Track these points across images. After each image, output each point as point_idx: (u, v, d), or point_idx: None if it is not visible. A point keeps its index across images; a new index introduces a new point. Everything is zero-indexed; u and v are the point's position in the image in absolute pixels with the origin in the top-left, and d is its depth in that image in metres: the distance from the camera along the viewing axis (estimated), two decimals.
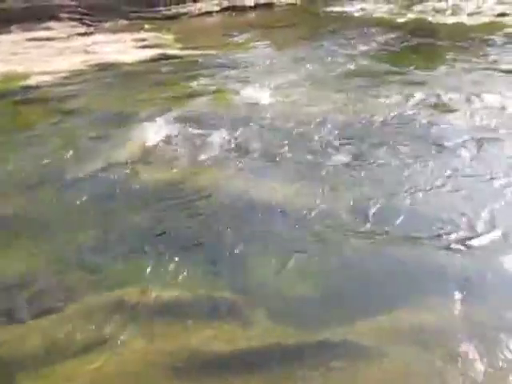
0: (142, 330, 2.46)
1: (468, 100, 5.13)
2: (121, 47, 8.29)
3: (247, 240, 3.08)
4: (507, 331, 2.37)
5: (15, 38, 8.77)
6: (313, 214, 3.29)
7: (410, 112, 4.88)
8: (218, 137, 4.43)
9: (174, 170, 3.97)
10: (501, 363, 2.21)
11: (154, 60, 7.43)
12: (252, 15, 11.42)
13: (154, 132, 4.56)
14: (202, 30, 10.31)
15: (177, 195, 3.60)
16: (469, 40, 7.90)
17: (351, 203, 3.39)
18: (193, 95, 5.69)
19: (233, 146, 4.30)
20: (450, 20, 9.69)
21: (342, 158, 4.03)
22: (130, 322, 2.49)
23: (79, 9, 10.22)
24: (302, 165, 3.97)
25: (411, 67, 6.50)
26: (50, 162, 4.15)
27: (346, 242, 3.02)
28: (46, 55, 7.79)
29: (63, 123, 5.03)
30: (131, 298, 2.64)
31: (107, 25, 10.14)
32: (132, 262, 2.94)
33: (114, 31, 9.59)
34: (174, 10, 11.06)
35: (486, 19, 9.53)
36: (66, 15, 9.95)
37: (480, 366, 2.19)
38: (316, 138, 4.39)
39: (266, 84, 5.83)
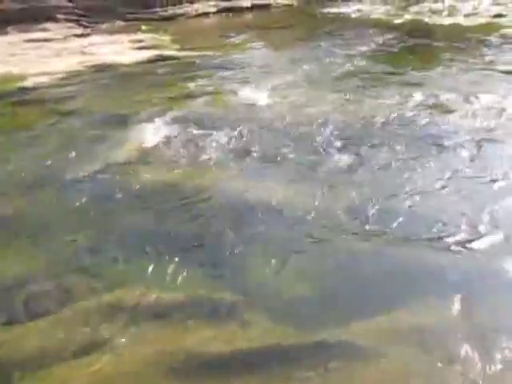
0: (141, 331, 2.45)
1: (466, 100, 5.14)
2: (118, 48, 8.28)
3: (246, 241, 3.08)
4: (506, 332, 2.37)
5: (12, 39, 8.75)
6: (312, 214, 3.29)
7: (409, 112, 4.89)
8: (216, 138, 4.43)
9: (173, 171, 3.96)
10: (500, 364, 2.21)
11: (150, 61, 7.43)
12: (249, 16, 11.43)
13: (151, 133, 4.56)
14: (198, 31, 10.31)
15: (175, 196, 3.60)
16: (465, 41, 7.93)
17: (350, 204, 3.39)
18: (190, 96, 5.69)
19: (231, 146, 4.30)
20: (447, 21, 9.73)
21: (341, 158, 4.03)
22: (129, 324, 2.48)
23: (76, 10, 10.21)
24: (301, 165, 3.97)
25: (408, 68, 6.52)
26: (48, 163, 4.14)
27: (345, 243, 3.02)
28: (43, 56, 7.78)
29: (60, 124, 5.02)
30: (130, 299, 2.63)
31: (104, 26, 10.13)
32: (131, 263, 2.94)
33: (111, 32, 9.58)
34: (170, 11, 11.06)
35: (482, 20, 9.57)
36: (62, 16, 9.93)
37: (479, 367, 2.19)
38: (315, 138, 4.39)
39: (263, 85, 5.83)
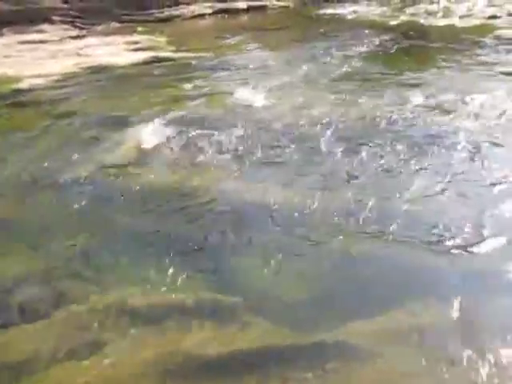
0: (139, 333, 2.44)
1: (463, 101, 5.14)
2: (113, 50, 8.27)
3: (245, 242, 3.07)
4: (504, 333, 2.38)
5: (7, 40, 8.72)
6: (311, 216, 3.29)
7: (406, 114, 4.89)
8: (214, 139, 4.42)
9: (170, 173, 3.95)
10: (498, 365, 2.21)
11: (146, 63, 7.42)
12: (245, 18, 11.44)
13: (148, 134, 4.55)
14: (194, 32, 10.30)
15: (173, 198, 3.59)
16: (461, 42, 7.96)
17: (349, 205, 3.39)
18: (187, 98, 5.68)
19: (229, 148, 4.29)
20: (442, 22, 9.76)
21: (340, 159, 4.03)
22: (127, 326, 2.48)
23: (71, 12, 10.19)
24: (300, 167, 3.96)
25: (404, 69, 6.54)
26: (44, 165, 4.13)
27: (343, 245, 3.02)
28: (39, 58, 7.76)
29: (56, 126, 5.01)
30: (129, 301, 2.62)
31: (100, 27, 10.11)
32: (129, 265, 2.93)
33: (107, 34, 9.57)
34: (166, 12, 11.05)
35: (477, 21, 9.61)
36: (58, 18, 9.91)
37: (477, 368, 2.19)
38: (312, 139, 4.39)
39: (260, 86, 5.83)
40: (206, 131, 4.59)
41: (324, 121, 4.73)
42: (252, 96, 5.48)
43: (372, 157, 4.04)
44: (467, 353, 2.25)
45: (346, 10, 11.41)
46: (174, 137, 4.52)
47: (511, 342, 2.31)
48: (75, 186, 3.78)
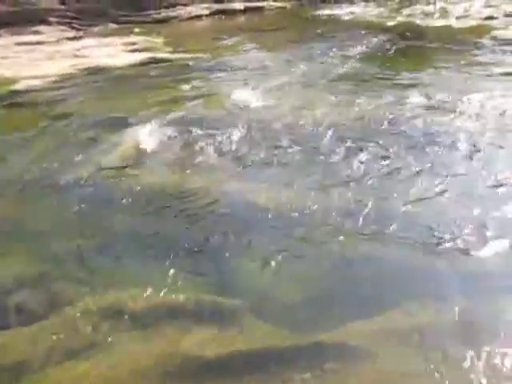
0: (136, 334, 2.44)
1: (461, 102, 5.14)
2: (111, 51, 8.27)
3: (244, 244, 3.07)
4: (501, 333, 2.38)
5: (4, 42, 8.72)
6: (310, 217, 3.28)
7: (405, 114, 4.89)
8: (212, 140, 4.42)
9: (168, 174, 3.95)
10: (496, 365, 2.21)
11: (144, 64, 7.43)
12: (242, 19, 11.46)
13: (145, 136, 4.54)
14: (192, 33, 10.31)
15: (172, 199, 3.58)
16: (457, 43, 7.99)
17: (347, 206, 3.38)
18: (184, 98, 5.68)
19: (227, 149, 4.28)
20: (439, 23, 9.80)
21: (338, 160, 4.03)
22: (126, 327, 2.47)
23: (68, 13, 10.19)
24: (299, 167, 3.95)
25: (402, 69, 6.55)
26: (41, 167, 4.11)
27: (342, 245, 3.01)
28: (36, 59, 7.75)
29: (54, 127, 5.00)
30: (125, 302, 2.62)
31: (97, 29, 10.11)
32: (128, 266, 2.92)
33: (104, 35, 9.57)
34: (163, 13, 11.07)
35: (473, 22, 9.65)
36: (55, 19, 9.91)
37: (475, 368, 2.20)
38: (310, 140, 4.38)
39: (257, 87, 5.83)
40: (204, 132, 4.59)
41: (323, 121, 4.73)
42: (250, 97, 5.48)
43: (371, 157, 4.04)
44: (465, 353, 2.25)
45: (343, 11, 11.45)
46: (172, 138, 4.51)
47: (509, 342, 2.31)
48: (73, 188, 3.77)
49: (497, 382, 2.15)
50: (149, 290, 2.67)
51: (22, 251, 3.10)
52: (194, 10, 11.40)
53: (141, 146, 4.39)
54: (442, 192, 3.52)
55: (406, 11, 11.16)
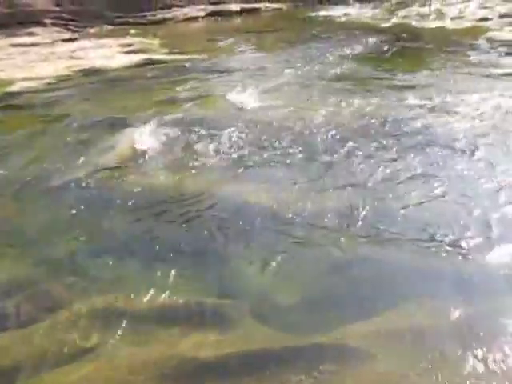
0: (129, 336, 2.43)
1: (458, 102, 5.17)
2: (106, 52, 8.25)
3: (236, 245, 3.06)
4: (499, 333, 2.38)
5: None
6: (307, 219, 3.27)
7: (402, 114, 4.90)
8: (209, 141, 4.41)
9: (165, 176, 3.92)
10: (494, 365, 2.21)
11: (139, 65, 7.42)
12: (238, 20, 11.47)
13: (142, 137, 4.52)
14: (188, 34, 10.31)
15: (169, 201, 3.56)
16: (453, 44, 8.03)
17: (345, 207, 3.38)
18: (181, 100, 5.67)
19: (225, 149, 4.27)
20: (434, 24, 9.84)
21: (336, 160, 4.02)
22: (118, 329, 2.46)
23: (64, 14, 10.17)
24: (296, 168, 3.95)
25: (398, 70, 6.57)
26: (37, 168, 4.09)
27: (337, 246, 3.01)
28: (31, 61, 7.73)
29: (49, 129, 4.97)
30: (119, 304, 2.61)
31: (92, 30, 10.10)
32: (122, 268, 2.90)
33: (100, 36, 9.55)
34: (159, 15, 11.06)
35: (468, 24, 9.71)
36: (50, 21, 9.88)
37: (473, 368, 2.20)
38: (307, 141, 4.38)
39: (253, 88, 5.83)
40: (201, 133, 4.57)
41: (319, 122, 4.73)
42: (247, 97, 5.47)
43: (369, 158, 4.04)
44: (464, 354, 2.26)
45: (339, 13, 11.48)
46: (169, 139, 4.50)
47: (507, 343, 2.32)
48: (70, 189, 3.75)
49: (495, 381, 2.15)
50: (147, 293, 2.66)
51: (18, 253, 3.08)
52: (189, 11, 11.40)
53: (138, 147, 4.37)
54: (441, 192, 3.52)
55: (401, 13, 11.21)
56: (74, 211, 3.46)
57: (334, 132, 4.52)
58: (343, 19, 10.86)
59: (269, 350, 2.34)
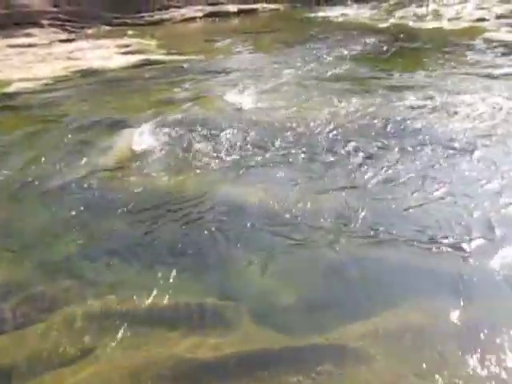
0: (128, 338, 2.42)
1: (456, 102, 5.18)
2: (104, 53, 8.25)
3: (234, 246, 3.05)
4: (497, 333, 2.38)
5: None
6: (303, 218, 3.28)
7: (401, 115, 4.90)
8: (208, 141, 4.40)
9: (162, 176, 3.91)
10: (492, 365, 2.21)
11: (137, 66, 7.42)
12: (235, 21, 11.47)
13: (139, 138, 4.52)
14: (185, 35, 10.31)
15: (168, 202, 3.55)
16: (450, 44, 8.05)
17: (344, 207, 3.38)
18: (179, 100, 5.67)
19: (222, 150, 4.27)
20: (431, 25, 9.87)
21: (335, 161, 4.03)
22: (115, 331, 2.45)
23: (61, 15, 10.15)
24: (295, 169, 3.94)
25: (395, 70, 6.58)
26: (35, 170, 4.08)
27: (337, 247, 3.01)
28: (28, 62, 7.71)
29: (46, 130, 4.96)
30: (118, 306, 2.60)
31: (90, 31, 10.09)
32: (119, 270, 2.90)
33: (97, 37, 9.54)
34: (157, 15, 11.06)
35: (465, 24, 9.74)
36: (47, 22, 9.87)
37: (471, 368, 2.20)
38: (306, 141, 4.38)
39: (251, 88, 5.83)
40: (199, 133, 4.57)
41: (319, 122, 4.73)
42: (245, 98, 5.48)
43: (368, 158, 4.04)
44: (462, 354, 2.26)
45: (337, 13, 11.51)
46: (167, 139, 4.49)
47: (506, 344, 2.32)
48: (67, 190, 3.74)
49: (495, 381, 2.15)
50: (147, 294, 2.65)
51: (15, 255, 3.07)
52: (187, 12, 11.40)
53: (136, 148, 4.36)
54: (441, 193, 3.52)
55: (398, 13, 11.24)
56: (72, 212, 3.45)
57: (333, 132, 4.52)
58: (341, 20, 10.88)
59: (268, 351, 2.34)
